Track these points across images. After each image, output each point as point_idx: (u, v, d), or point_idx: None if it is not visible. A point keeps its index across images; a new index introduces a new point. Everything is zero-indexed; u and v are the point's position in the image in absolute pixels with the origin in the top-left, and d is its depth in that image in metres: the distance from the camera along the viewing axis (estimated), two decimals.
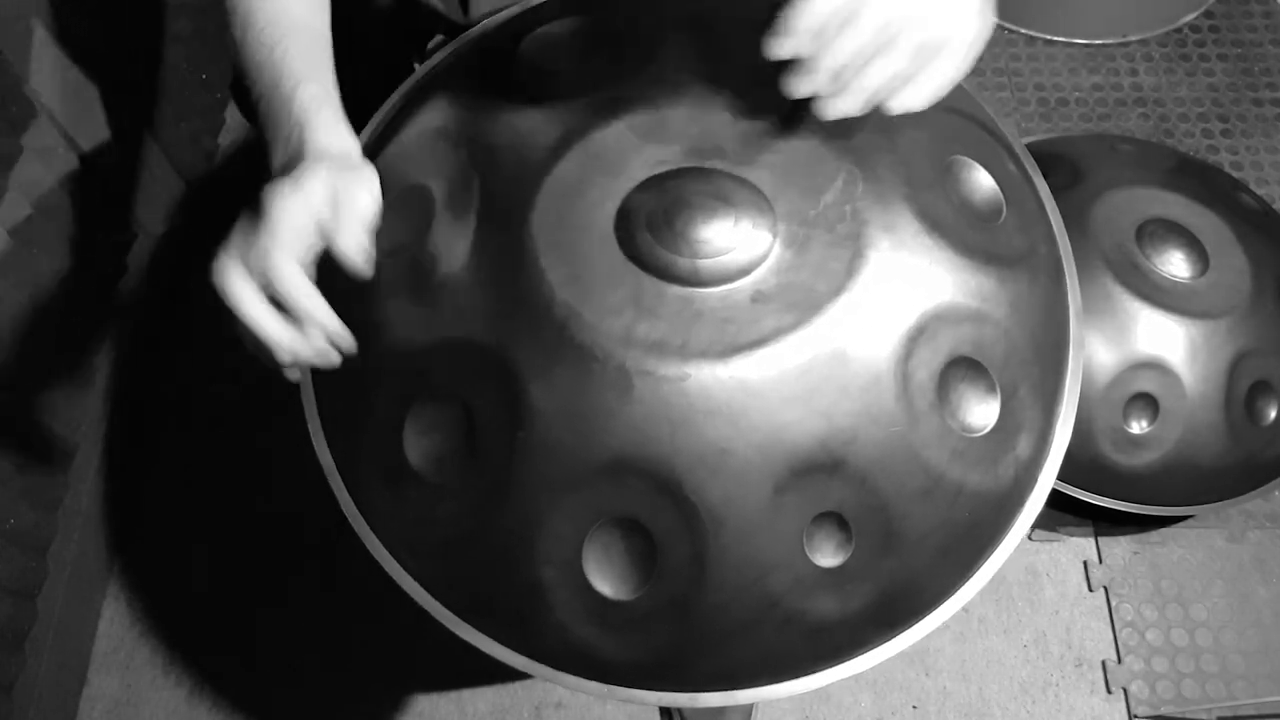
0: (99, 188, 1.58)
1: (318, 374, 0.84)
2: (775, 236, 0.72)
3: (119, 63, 1.59)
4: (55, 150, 1.46)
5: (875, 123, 0.78)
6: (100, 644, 1.60)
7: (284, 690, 1.57)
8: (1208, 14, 2.17)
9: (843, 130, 0.76)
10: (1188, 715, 1.51)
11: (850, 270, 0.71)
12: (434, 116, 0.85)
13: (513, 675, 1.54)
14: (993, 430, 0.75)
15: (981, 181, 0.82)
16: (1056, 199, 0.89)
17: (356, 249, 0.72)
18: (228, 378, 1.78)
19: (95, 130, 1.55)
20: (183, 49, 1.80)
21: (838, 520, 0.72)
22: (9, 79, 1.34)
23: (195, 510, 1.70)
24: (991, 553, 0.78)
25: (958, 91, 0.89)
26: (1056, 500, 1.34)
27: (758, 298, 0.71)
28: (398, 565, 0.79)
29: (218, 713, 1.56)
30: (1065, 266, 0.85)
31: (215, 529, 1.69)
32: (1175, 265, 1.42)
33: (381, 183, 0.80)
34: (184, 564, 1.66)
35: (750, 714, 1.53)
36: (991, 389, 0.75)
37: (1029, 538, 1.65)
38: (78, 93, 1.50)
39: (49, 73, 1.43)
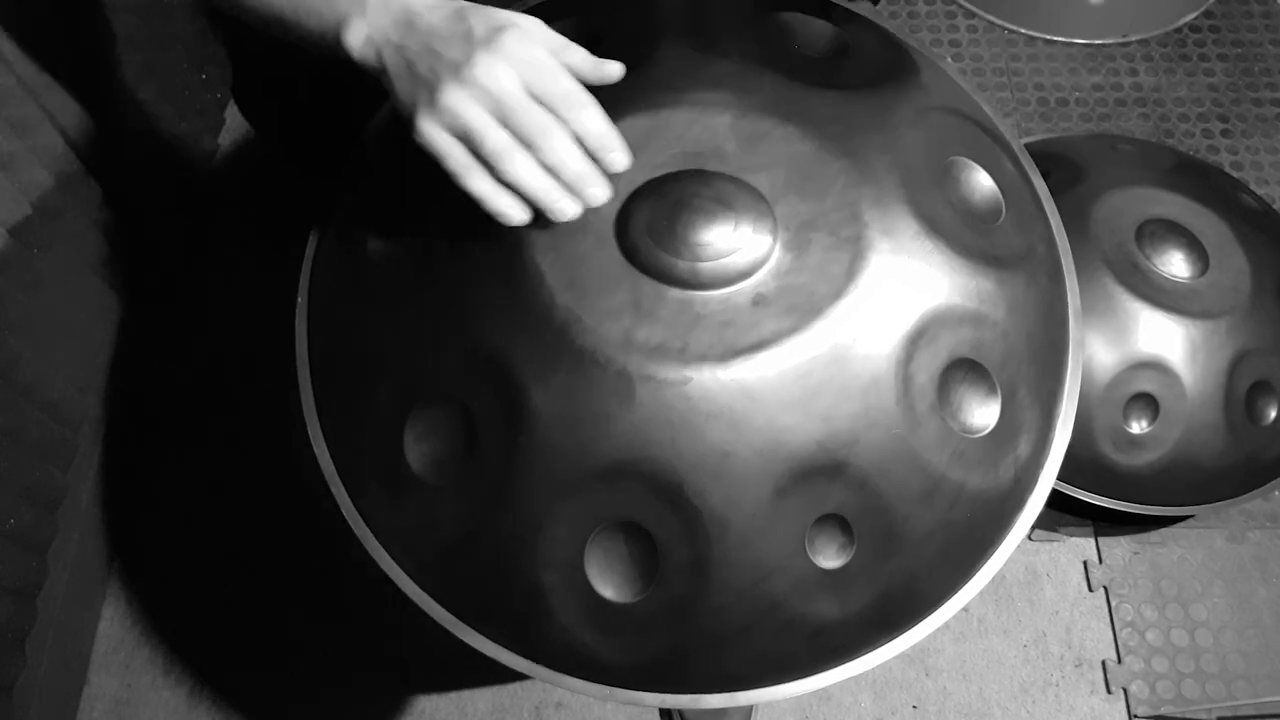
0: (99, 188, 1.57)
1: (317, 375, 0.84)
2: (775, 239, 0.72)
3: (119, 63, 1.59)
4: (55, 150, 1.46)
5: (875, 124, 0.78)
6: (100, 644, 1.60)
7: (284, 690, 1.57)
8: (1208, 14, 2.17)
9: (843, 132, 0.76)
10: (1188, 715, 1.51)
11: (850, 273, 0.71)
12: None
13: (513, 676, 1.54)
14: (993, 431, 0.75)
15: (980, 182, 0.82)
16: (1056, 199, 0.89)
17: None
18: (228, 378, 1.78)
19: (95, 130, 1.55)
20: (183, 49, 1.80)
21: (839, 522, 0.72)
22: (10, 79, 1.34)
23: (195, 510, 1.70)
24: (992, 553, 0.78)
25: (955, 91, 0.89)
26: (1056, 500, 1.34)
27: (758, 301, 0.71)
28: (398, 568, 0.79)
29: (218, 713, 1.56)
30: (1064, 267, 0.85)
31: (215, 529, 1.68)
32: (1175, 265, 1.42)
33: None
34: (184, 564, 1.66)
35: (750, 714, 1.53)
36: (991, 390, 0.75)
37: (1029, 538, 1.65)
38: (78, 93, 1.50)
39: (49, 73, 1.43)
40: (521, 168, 0.68)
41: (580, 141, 0.69)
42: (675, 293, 0.71)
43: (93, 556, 1.60)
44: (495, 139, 0.67)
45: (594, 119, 0.69)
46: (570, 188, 0.69)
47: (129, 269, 1.69)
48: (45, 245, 1.44)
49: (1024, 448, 0.77)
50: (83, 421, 1.55)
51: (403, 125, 0.70)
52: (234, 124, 2.00)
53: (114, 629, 1.61)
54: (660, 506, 0.69)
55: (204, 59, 1.86)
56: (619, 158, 0.70)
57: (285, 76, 1.34)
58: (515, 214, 0.69)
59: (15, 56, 1.35)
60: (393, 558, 0.79)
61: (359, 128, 0.93)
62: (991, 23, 2.15)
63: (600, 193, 0.70)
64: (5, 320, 1.34)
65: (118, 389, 1.64)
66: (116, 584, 1.65)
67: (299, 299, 0.87)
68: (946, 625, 0.78)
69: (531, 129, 0.67)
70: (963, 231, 0.77)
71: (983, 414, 0.75)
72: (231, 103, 1.98)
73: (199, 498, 1.71)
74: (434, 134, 0.68)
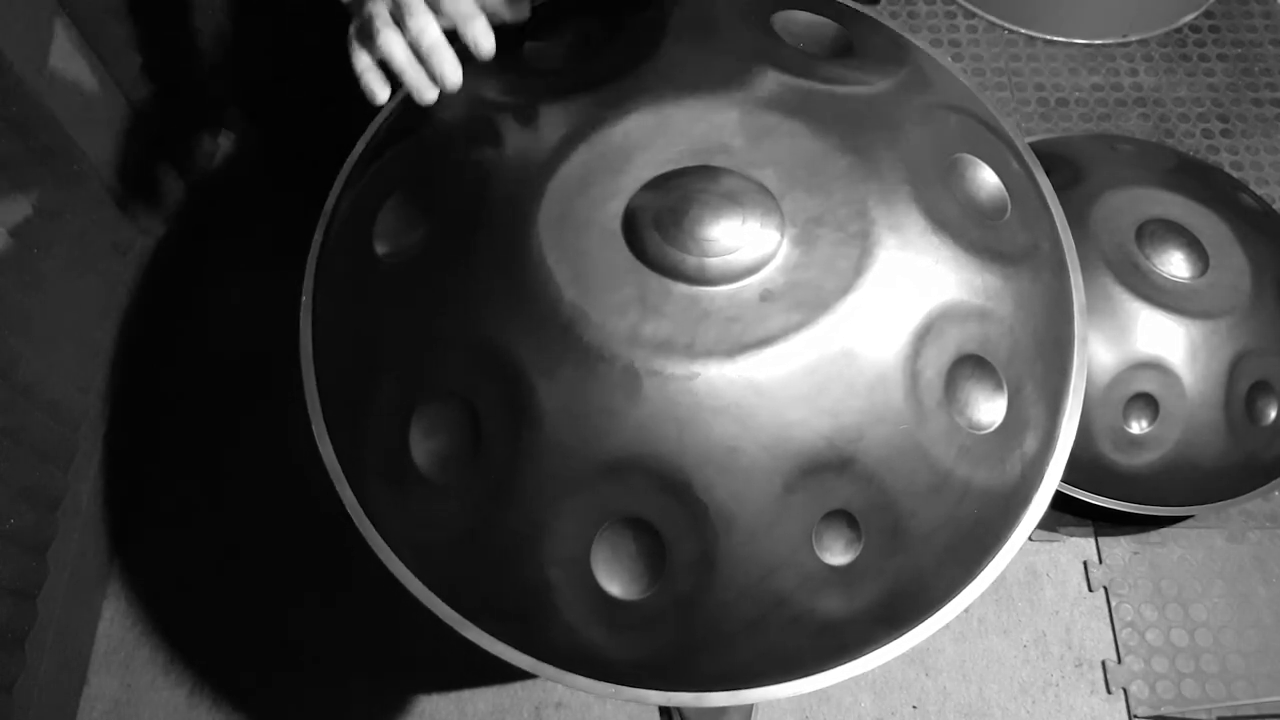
0: (99, 188, 1.57)
1: (322, 372, 0.84)
2: (782, 235, 0.72)
3: (119, 63, 1.59)
4: (55, 150, 1.46)
5: (880, 121, 0.78)
6: (100, 644, 1.60)
7: (284, 690, 1.57)
8: (1208, 14, 2.17)
9: (849, 129, 0.76)
10: (1188, 715, 1.51)
11: (858, 269, 0.72)
12: (438, 116, 0.85)
13: (513, 675, 1.54)
14: (1000, 427, 0.75)
15: (985, 179, 0.82)
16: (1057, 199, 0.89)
17: None
18: (229, 377, 1.78)
19: (95, 130, 1.55)
20: (183, 49, 1.79)
21: (846, 518, 0.72)
22: (10, 80, 1.34)
23: (195, 511, 1.70)
24: (998, 550, 0.78)
25: (960, 89, 0.89)
26: (1057, 500, 1.34)
27: (765, 296, 0.71)
28: (403, 566, 0.79)
29: (218, 713, 1.56)
30: (1068, 263, 0.85)
31: (215, 529, 1.68)
32: (1175, 265, 1.42)
33: (386, 182, 0.80)
34: (184, 564, 1.66)
35: (751, 713, 1.53)
36: (998, 386, 0.75)
37: (1029, 538, 1.65)
38: (78, 93, 1.50)
39: (50, 73, 1.43)
40: (394, 44, 0.79)
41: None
42: (682, 288, 0.71)
43: (93, 556, 1.59)
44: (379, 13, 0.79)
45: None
46: (426, 61, 0.79)
47: (129, 269, 1.69)
48: (45, 245, 1.44)
49: (1030, 444, 0.77)
50: (83, 421, 1.55)
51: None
52: (234, 124, 1.99)
53: (114, 629, 1.61)
54: (667, 502, 0.69)
55: (204, 59, 1.86)
56: (483, 38, 0.80)
57: (285, 76, 1.34)
58: (379, 91, 0.81)
59: (15, 57, 1.35)
60: (397, 555, 0.79)
61: (360, 126, 0.93)
62: (991, 23, 2.16)
63: (452, 71, 0.79)
64: (5, 320, 1.34)
65: (118, 389, 1.64)
66: (116, 584, 1.64)
67: (303, 297, 0.87)
68: (946, 625, 0.78)
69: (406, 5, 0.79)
70: (969, 227, 0.77)
71: (989, 410, 0.75)
72: (231, 103, 1.98)
73: (199, 498, 1.71)
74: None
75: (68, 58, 1.48)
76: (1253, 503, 1.57)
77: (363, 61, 0.81)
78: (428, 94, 0.80)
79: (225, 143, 1.98)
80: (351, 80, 0.82)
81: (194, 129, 1.86)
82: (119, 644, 1.60)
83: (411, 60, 0.80)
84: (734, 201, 0.72)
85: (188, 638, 1.61)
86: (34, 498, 1.40)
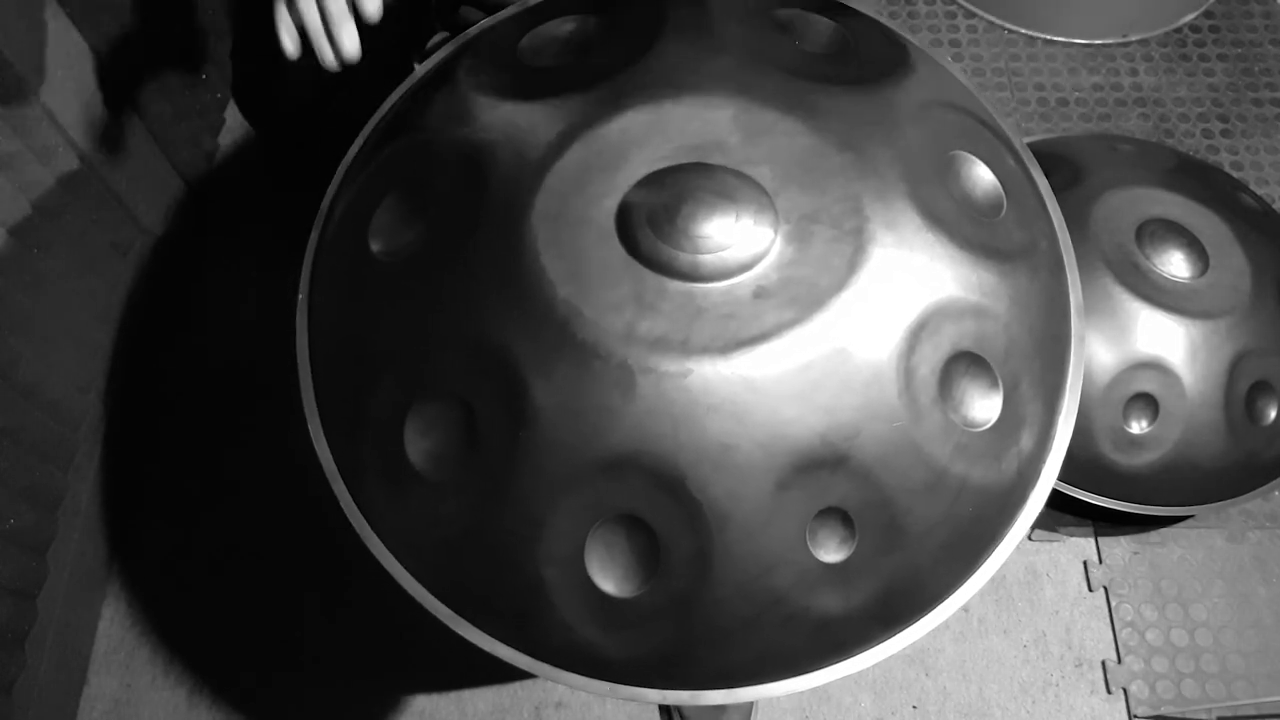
0: (99, 188, 1.57)
1: (318, 371, 0.84)
2: (777, 232, 0.72)
3: (119, 63, 1.59)
4: (55, 150, 1.46)
5: (877, 118, 0.78)
6: (100, 644, 1.60)
7: (284, 690, 1.57)
8: (1208, 14, 2.17)
9: (845, 126, 0.76)
10: (1188, 715, 1.51)
11: (852, 265, 0.71)
12: (435, 114, 0.85)
13: (513, 674, 1.54)
14: (995, 425, 0.75)
15: (982, 176, 0.82)
16: (1057, 199, 0.89)
17: None
18: (228, 377, 1.78)
19: (95, 130, 1.55)
20: (183, 49, 1.80)
21: (841, 516, 0.71)
22: (9, 78, 1.34)
23: (195, 511, 1.70)
24: (994, 548, 0.78)
25: (957, 87, 0.89)
26: (1056, 500, 1.34)
27: (760, 293, 0.71)
28: (399, 565, 0.79)
29: (218, 713, 1.56)
30: (1065, 261, 0.85)
31: (216, 529, 1.68)
32: (1175, 265, 1.42)
33: (383, 181, 0.80)
34: (184, 564, 1.66)
35: (750, 713, 1.53)
36: (993, 383, 0.75)
37: (1029, 538, 1.65)
38: (78, 93, 1.50)
39: (49, 72, 1.43)
40: (309, 12, 0.84)
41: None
42: (677, 285, 0.71)
43: (93, 556, 1.59)
44: None
45: None
46: (331, 29, 0.84)
47: (129, 269, 1.69)
48: (45, 245, 1.44)
49: (1026, 441, 0.77)
50: (83, 421, 1.55)
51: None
52: (234, 124, 2.00)
53: (114, 629, 1.61)
54: (662, 500, 0.69)
55: (204, 59, 1.86)
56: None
57: (284, 77, 1.35)
58: (290, 47, 0.87)
59: (15, 56, 1.35)
60: (394, 554, 0.79)
61: (358, 126, 0.93)
62: (991, 23, 2.16)
63: (350, 44, 0.84)
64: (5, 320, 1.34)
65: (118, 389, 1.64)
66: (116, 584, 1.64)
67: (299, 295, 0.87)
68: (946, 625, 0.78)
69: None
70: (965, 225, 0.77)
71: (985, 407, 0.75)
72: (231, 103, 1.99)
73: (199, 498, 1.71)
74: None
75: (68, 57, 1.48)
76: (1253, 503, 1.57)
77: (282, 19, 0.86)
78: (328, 59, 0.86)
79: (225, 143, 1.98)
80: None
81: (194, 129, 1.86)
82: (119, 644, 1.60)
83: (320, 29, 0.85)
84: (727, 198, 0.72)
85: (188, 638, 1.61)
86: (34, 498, 1.40)
